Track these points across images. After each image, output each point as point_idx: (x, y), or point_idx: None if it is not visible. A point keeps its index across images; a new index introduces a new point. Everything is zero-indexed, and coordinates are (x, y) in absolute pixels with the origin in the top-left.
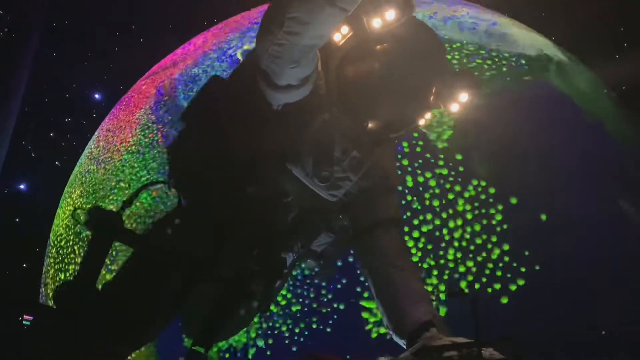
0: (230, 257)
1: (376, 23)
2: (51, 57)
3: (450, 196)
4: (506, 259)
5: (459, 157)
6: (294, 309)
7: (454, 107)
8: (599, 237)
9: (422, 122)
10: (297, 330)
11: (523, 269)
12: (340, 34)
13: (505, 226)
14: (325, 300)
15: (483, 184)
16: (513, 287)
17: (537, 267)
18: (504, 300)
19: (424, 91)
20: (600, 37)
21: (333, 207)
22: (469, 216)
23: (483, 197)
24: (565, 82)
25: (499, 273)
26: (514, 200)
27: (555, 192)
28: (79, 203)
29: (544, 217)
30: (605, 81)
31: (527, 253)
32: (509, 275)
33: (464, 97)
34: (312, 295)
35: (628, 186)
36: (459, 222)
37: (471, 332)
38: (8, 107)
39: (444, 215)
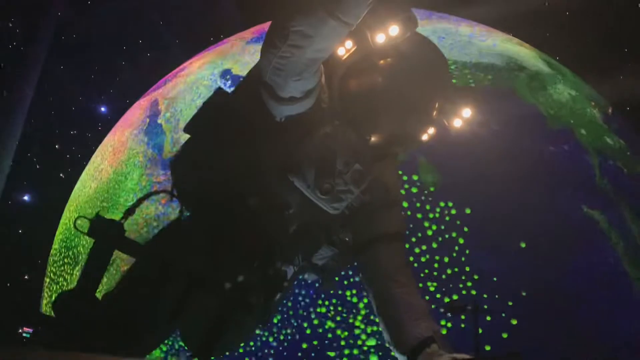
0: (230, 269)
1: (380, 38)
2: (58, 69)
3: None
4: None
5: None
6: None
7: (457, 123)
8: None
9: (425, 137)
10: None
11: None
12: (345, 49)
13: None
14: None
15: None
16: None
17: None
18: (514, 322)
19: (427, 106)
20: (603, 57)
21: (335, 220)
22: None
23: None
24: (533, 93)
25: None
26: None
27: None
28: (80, 213)
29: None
30: (609, 101)
31: None
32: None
33: (467, 112)
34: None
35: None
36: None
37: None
38: (14, 119)
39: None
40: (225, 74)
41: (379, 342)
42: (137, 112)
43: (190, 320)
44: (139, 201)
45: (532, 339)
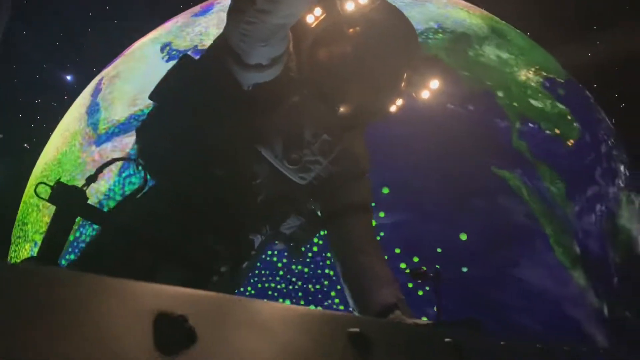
0: (197, 238)
1: (349, 6)
2: (21, 36)
3: None
4: None
5: None
6: None
7: (425, 94)
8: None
9: (393, 108)
10: None
11: None
12: (313, 16)
13: None
14: None
15: None
16: None
17: None
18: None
19: (396, 77)
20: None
21: (302, 191)
22: None
23: None
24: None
25: None
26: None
27: None
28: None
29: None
30: (577, 79)
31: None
32: None
33: (434, 84)
34: None
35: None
36: None
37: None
38: None
39: None
40: (164, 48)
41: None
42: (88, 89)
43: None
44: (101, 168)
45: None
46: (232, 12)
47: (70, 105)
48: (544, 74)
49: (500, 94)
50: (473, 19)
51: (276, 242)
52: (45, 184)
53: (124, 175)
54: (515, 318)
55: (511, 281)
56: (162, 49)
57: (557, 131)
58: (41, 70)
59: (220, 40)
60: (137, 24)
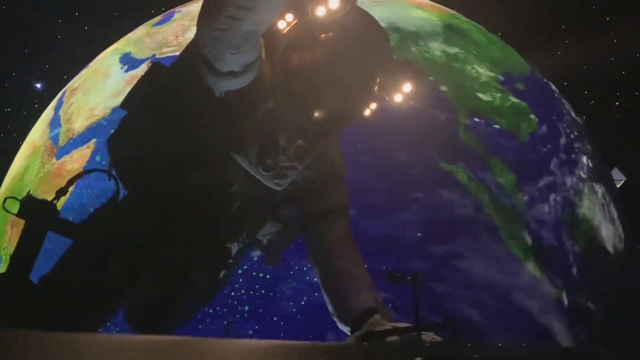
0: (172, 247)
1: (320, 12)
2: None
3: None
4: None
5: None
6: None
7: (398, 98)
8: None
9: (367, 112)
10: None
11: None
12: (285, 22)
13: None
14: None
15: None
16: None
17: None
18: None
19: (369, 81)
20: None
21: (279, 197)
22: None
23: None
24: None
25: None
26: None
27: None
28: (43, 184)
29: None
30: (547, 76)
31: None
32: None
33: (407, 87)
34: None
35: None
36: None
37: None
38: None
39: None
40: (124, 58)
41: None
42: (53, 102)
43: (134, 298)
44: (72, 180)
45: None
46: (203, 19)
47: (41, 113)
48: (500, 69)
49: (444, 88)
50: (429, 17)
51: (253, 249)
52: (13, 198)
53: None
54: (461, 310)
55: (456, 273)
56: (121, 60)
57: (508, 124)
58: (10, 78)
59: (192, 48)
60: (107, 29)
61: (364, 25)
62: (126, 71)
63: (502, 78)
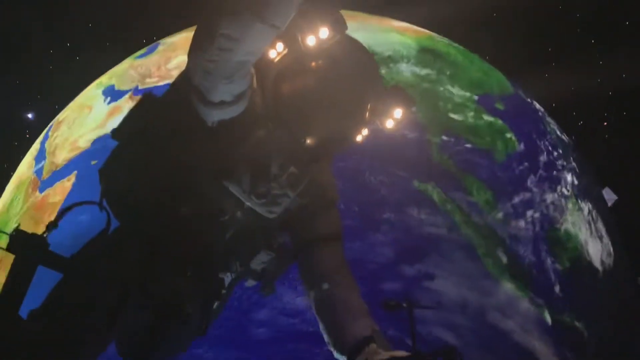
0: (164, 279)
1: (310, 40)
2: None
3: None
4: None
5: None
6: None
7: (389, 123)
8: None
9: (359, 138)
10: None
11: None
12: (276, 51)
13: None
14: None
15: None
16: None
17: None
18: None
19: (360, 107)
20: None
21: (272, 225)
22: None
23: None
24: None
25: None
26: None
27: None
28: (27, 217)
29: None
30: (536, 98)
31: None
32: None
33: (398, 113)
34: None
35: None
36: None
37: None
38: None
39: None
40: (107, 90)
41: None
42: (41, 136)
43: (125, 332)
44: (62, 212)
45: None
46: (194, 50)
47: (32, 143)
48: (478, 89)
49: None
50: (406, 40)
51: (247, 278)
52: (2, 232)
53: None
54: (434, 332)
55: (428, 294)
56: (104, 92)
57: (483, 143)
58: (0, 108)
59: (183, 78)
60: (99, 59)
61: (354, 52)
62: (108, 103)
63: (477, 97)
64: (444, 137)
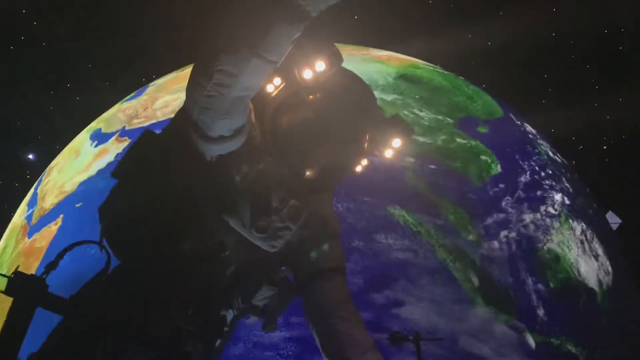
0: (164, 318)
1: (307, 74)
2: None
3: None
4: None
5: None
6: None
7: (388, 153)
8: None
9: (358, 168)
10: None
11: None
12: (273, 85)
13: None
14: None
15: None
16: None
17: None
18: None
19: (359, 138)
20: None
21: (273, 259)
22: None
23: None
24: None
25: None
26: None
27: None
28: (17, 262)
29: None
30: (534, 125)
31: None
32: None
33: (397, 142)
34: None
35: None
36: None
37: None
38: None
39: None
40: (94, 135)
41: None
42: (36, 182)
43: None
44: (62, 254)
45: None
46: (191, 86)
47: (32, 184)
48: (458, 112)
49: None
50: (386, 69)
51: (249, 315)
52: (1, 274)
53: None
54: None
55: (398, 321)
56: (91, 137)
57: (460, 166)
58: (1, 150)
59: (182, 114)
60: (98, 99)
61: (350, 84)
62: (95, 147)
63: (450, 121)
64: (411, 159)
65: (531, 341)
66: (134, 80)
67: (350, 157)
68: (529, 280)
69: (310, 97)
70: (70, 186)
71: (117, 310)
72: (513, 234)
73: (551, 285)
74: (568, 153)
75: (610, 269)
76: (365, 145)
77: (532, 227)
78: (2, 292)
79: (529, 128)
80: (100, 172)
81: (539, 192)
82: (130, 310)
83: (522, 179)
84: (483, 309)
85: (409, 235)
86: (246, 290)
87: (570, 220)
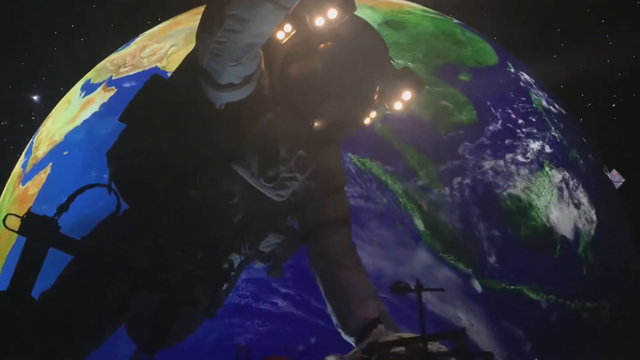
0: (174, 262)
1: (319, 22)
2: None
3: None
4: None
5: None
6: None
7: (398, 106)
8: None
9: (367, 121)
10: None
11: None
12: (284, 32)
13: None
14: None
15: None
16: None
17: None
18: None
19: (368, 90)
20: (539, 37)
21: (280, 208)
22: None
23: None
24: None
25: None
26: None
27: None
28: (12, 209)
29: None
30: (544, 80)
31: None
32: None
33: (407, 95)
34: None
35: None
36: None
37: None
38: None
39: None
40: (85, 85)
41: None
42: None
43: (136, 315)
44: (73, 196)
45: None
46: (202, 31)
47: (37, 125)
48: (439, 59)
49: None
50: (372, 14)
51: (256, 260)
52: (14, 215)
53: None
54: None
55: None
56: (82, 87)
57: (430, 115)
58: (6, 91)
59: (191, 60)
60: (103, 41)
61: (363, 33)
62: (83, 97)
63: (425, 68)
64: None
65: (477, 286)
66: (138, 22)
67: (359, 111)
68: (482, 226)
69: (321, 45)
70: (59, 136)
71: (127, 254)
72: (467, 181)
73: (508, 231)
74: (576, 109)
75: (594, 217)
76: (375, 97)
77: (491, 173)
78: (16, 232)
79: (525, 77)
80: (84, 122)
81: (507, 140)
82: (139, 255)
83: (491, 127)
84: (428, 254)
85: (360, 183)
86: (253, 237)
87: (548, 169)
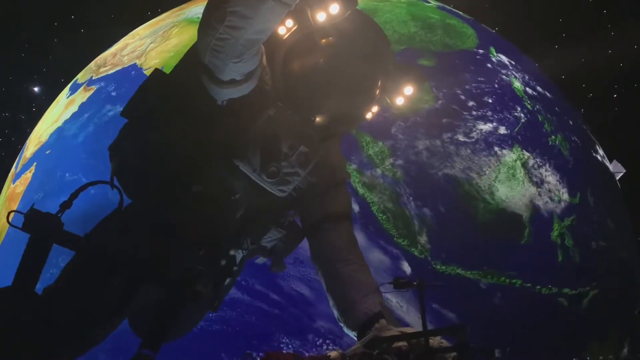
0: (176, 258)
1: (320, 17)
2: None
3: None
4: None
5: None
6: None
7: (400, 101)
8: None
9: (369, 116)
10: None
11: None
12: (285, 27)
13: None
14: None
15: None
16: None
17: None
18: None
19: (370, 85)
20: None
21: (282, 203)
22: None
23: None
24: None
25: None
26: None
27: None
28: (4, 207)
29: None
30: (545, 71)
31: None
32: None
33: (409, 90)
34: None
35: None
36: None
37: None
38: None
39: None
40: (72, 85)
41: None
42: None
43: (138, 310)
44: (76, 193)
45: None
46: (203, 27)
47: (38, 117)
48: (400, 45)
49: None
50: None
51: (257, 255)
52: (17, 211)
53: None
54: (293, 286)
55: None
56: (70, 87)
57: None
58: (7, 83)
59: (192, 56)
60: (103, 32)
61: (365, 28)
62: (68, 97)
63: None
64: None
65: (406, 267)
66: (138, 13)
67: (361, 106)
68: (412, 205)
69: (323, 41)
70: (45, 136)
71: (129, 250)
72: (400, 162)
73: (441, 209)
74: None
75: (555, 195)
76: (377, 92)
77: (425, 154)
78: (19, 228)
79: (505, 59)
80: (65, 123)
81: (445, 120)
82: (141, 250)
83: (431, 107)
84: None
85: None
86: (255, 232)
87: (497, 148)
